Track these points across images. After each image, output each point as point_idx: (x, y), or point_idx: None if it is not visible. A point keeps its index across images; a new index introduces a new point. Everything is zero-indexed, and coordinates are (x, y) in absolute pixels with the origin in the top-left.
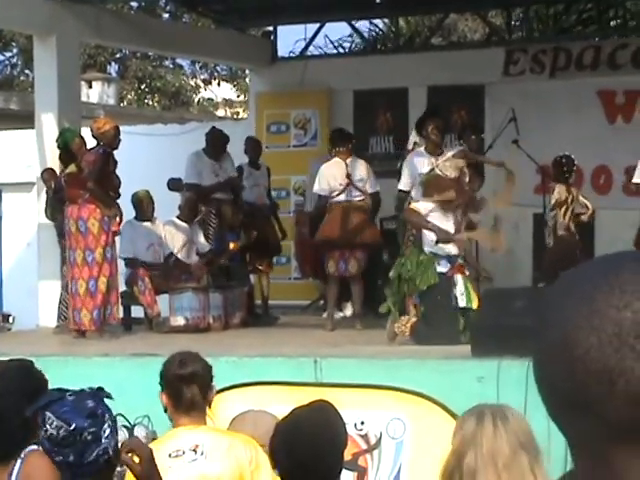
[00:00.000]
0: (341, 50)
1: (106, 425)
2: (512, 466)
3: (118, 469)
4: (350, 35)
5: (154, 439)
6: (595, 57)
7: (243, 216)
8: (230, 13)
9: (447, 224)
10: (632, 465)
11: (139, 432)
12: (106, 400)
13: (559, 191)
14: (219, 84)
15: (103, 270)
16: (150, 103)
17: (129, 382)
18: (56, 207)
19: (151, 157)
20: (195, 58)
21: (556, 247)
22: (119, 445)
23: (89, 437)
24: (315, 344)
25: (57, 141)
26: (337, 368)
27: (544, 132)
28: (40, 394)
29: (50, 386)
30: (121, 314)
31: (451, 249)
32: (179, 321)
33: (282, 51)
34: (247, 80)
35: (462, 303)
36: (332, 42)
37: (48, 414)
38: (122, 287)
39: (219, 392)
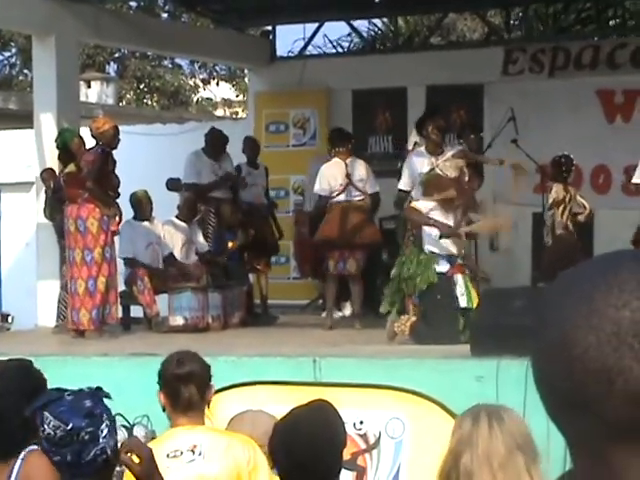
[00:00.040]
0: (340, 50)
1: (104, 425)
2: (508, 466)
3: (117, 469)
4: (349, 35)
5: (153, 439)
6: (594, 56)
7: (241, 215)
8: (229, 13)
9: (448, 223)
10: (631, 464)
11: (138, 432)
12: (105, 400)
13: (556, 190)
14: (218, 84)
15: (102, 270)
16: (149, 103)
17: (128, 382)
18: (55, 207)
19: (150, 157)
20: (194, 58)
21: (555, 246)
22: (118, 445)
23: (87, 437)
24: (314, 344)
25: (56, 141)
26: (336, 368)
27: (543, 131)
28: (39, 394)
29: (49, 386)
30: (120, 314)
31: (451, 248)
32: (178, 321)
33: (281, 51)
34: (246, 80)
35: (463, 303)
36: (331, 42)
37: (46, 414)
38: (121, 287)
39: (218, 392)
